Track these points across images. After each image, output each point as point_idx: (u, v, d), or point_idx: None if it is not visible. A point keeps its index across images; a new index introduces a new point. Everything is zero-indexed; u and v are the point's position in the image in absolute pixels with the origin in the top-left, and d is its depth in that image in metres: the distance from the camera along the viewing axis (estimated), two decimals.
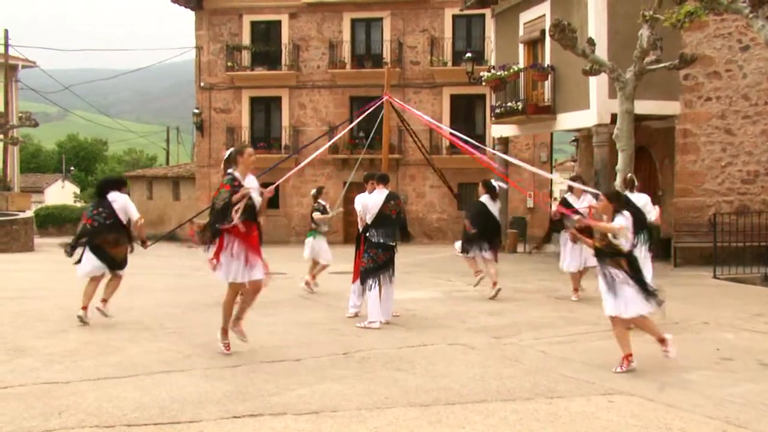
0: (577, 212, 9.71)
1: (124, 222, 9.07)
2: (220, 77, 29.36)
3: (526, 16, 19.49)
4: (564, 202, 11.02)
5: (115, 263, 9.05)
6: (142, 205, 34.75)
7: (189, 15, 30.20)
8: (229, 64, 28.93)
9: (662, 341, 6.76)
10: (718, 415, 5.28)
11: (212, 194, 7.90)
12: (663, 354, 6.70)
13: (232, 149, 7.52)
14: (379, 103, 11.44)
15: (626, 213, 6.84)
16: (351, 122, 27.96)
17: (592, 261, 9.25)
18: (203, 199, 29.24)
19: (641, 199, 9.65)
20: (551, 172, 29.80)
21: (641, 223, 8.65)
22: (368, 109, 12.17)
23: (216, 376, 6.39)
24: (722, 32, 16.59)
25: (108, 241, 8.94)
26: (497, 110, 19.80)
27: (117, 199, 9.05)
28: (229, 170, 7.26)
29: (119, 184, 9.32)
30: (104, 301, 9.02)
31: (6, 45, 31.75)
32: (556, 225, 11.21)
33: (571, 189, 11.19)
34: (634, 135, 14.29)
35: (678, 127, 16.91)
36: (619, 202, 6.95)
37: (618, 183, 12.48)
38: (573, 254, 11.10)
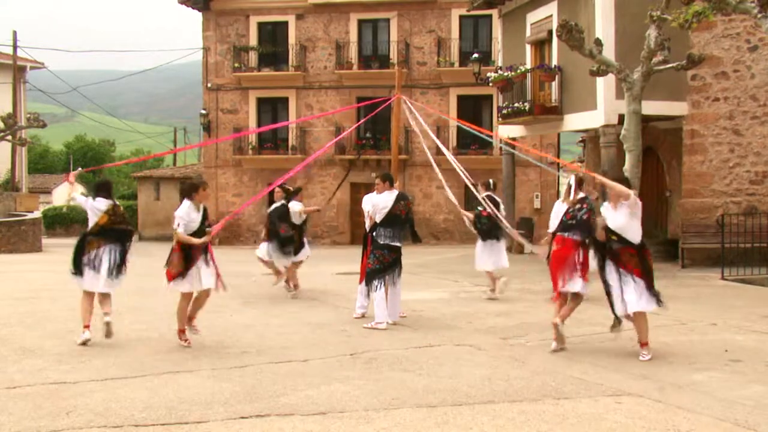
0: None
1: (296, 223, 11.74)
2: (227, 78, 29.41)
3: (533, 17, 19.45)
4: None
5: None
6: (150, 205, 34.96)
7: (196, 16, 30.28)
8: (236, 65, 28.98)
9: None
10: (727, 417, 5.26)
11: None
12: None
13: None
14: (389, 102, 11.46)
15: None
16: (358, 122, 28.06)
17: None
18: (210, 199, 29.28)
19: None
20: (558, 173, 29.77)
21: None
22: (378, 108, 12.26)
23: (223, 377, 6.40)
24: (730, 32, 16.52)
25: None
26: (504, 111, 19.77)
27: (292, 207, 11.78)
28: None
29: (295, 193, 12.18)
30: (294, 285, 11.80)
31: (14, 46, 31.87)
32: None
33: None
34: (641, 136, 14.25)
35: (685, 127, 16.85)
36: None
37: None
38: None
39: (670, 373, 6.57)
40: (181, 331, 7.91)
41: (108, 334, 7.81)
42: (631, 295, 7.09)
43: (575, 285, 7.52)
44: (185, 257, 7.68)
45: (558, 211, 7.90)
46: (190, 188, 7.96)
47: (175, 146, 54.05)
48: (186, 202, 7.84)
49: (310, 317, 9.77)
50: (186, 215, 7.74)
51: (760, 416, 5.30)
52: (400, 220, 9.17)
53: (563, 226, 7.63)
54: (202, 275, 7.80)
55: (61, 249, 26.69)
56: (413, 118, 12.73)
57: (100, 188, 8.27)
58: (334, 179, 28.80)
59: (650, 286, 7.14)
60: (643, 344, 7.25)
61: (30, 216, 26.91)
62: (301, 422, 5.15)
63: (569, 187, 7.86)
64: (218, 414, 5.32)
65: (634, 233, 7.15)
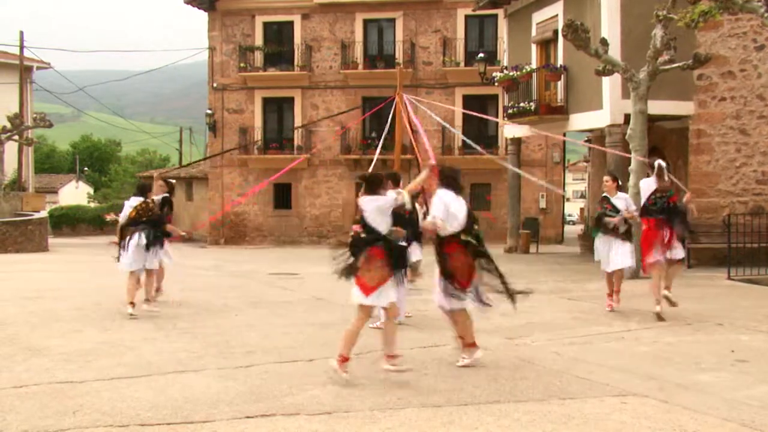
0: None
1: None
2: (233, 78, 29.44)
3: (538, 17, 19.44)
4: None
5: None
6: None
7: (202, 16, 30.34)
8: (242, 64, 29.01)
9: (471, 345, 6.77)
10: (733, 418, 5.25)
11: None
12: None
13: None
14: (393, 103, 11.46)
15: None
16: (363, 122, 28.05)
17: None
18: (215, 199, 29.34)
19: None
20: (564, 173, 29.73)
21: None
22: (379, 107, 12.28)
23: (229, 377, 6.41)
24: (737, 32, 16.47)
25: None
26: (510, 111, 19.76)
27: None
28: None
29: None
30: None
31: (21, 46, 31.95)
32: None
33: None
34: (647, 135, 14.23)
35: (692, 127, 16.82)
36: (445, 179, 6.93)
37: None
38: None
39: (675, 373, 6.56)
40: (344, 360, 6.12)
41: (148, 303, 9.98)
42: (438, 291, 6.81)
43: (675, 253, 9.10)
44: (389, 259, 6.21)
45: (645, 189, 9.24)
46: (375, 183, 6.36)
47: (180, 146, 54.14)
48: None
49: (315, 317, 9.78)
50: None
51: (767, 417, 5.28)
52: (404, 219, 9.16)
53: (647, 210, 9.13)
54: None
55: (67, 249, 26.77)
56: (417, 116, 12.73)
57: (137, 190, 10.29)
58: (339, 179, 28.83)
59: (452, 284, 6.68)
60: (467, 345, 6.78)
61: (36, 216, 26.95)
62: (306, 422, 5.15)
63: (659, 169, 9.11)
64: (224, 413, 5.33)
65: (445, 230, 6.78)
